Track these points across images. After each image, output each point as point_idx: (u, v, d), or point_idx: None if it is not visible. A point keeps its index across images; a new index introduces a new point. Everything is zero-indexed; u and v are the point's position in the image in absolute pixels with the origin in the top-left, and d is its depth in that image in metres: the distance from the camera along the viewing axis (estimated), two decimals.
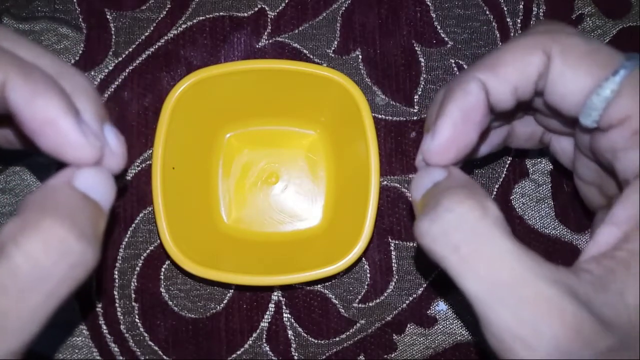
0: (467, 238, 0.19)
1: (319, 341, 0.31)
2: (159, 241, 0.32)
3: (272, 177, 0.32)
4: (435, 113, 0.23)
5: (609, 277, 0.18)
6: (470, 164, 0.33)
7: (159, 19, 0.33)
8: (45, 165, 0.32)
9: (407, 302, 0.32)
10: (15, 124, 0.20)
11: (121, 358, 0.31)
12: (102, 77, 0.33)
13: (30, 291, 0.18)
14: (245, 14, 0.33)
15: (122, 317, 0.31)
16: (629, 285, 0.18)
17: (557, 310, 0.17)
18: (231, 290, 0.32)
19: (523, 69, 0.21)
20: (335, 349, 0.31)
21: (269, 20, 0.33)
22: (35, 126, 0.19)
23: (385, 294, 0.32)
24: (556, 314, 0.17)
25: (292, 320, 0.32)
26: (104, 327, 0.31)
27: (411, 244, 0.32)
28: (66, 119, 0.19)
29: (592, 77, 0.20)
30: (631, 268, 0.18)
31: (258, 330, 0.31)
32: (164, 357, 0.31)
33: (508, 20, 0.34)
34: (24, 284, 0.18)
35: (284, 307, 0.32)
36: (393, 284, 0.32)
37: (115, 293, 0.31)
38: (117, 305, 0.31)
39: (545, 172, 0.33)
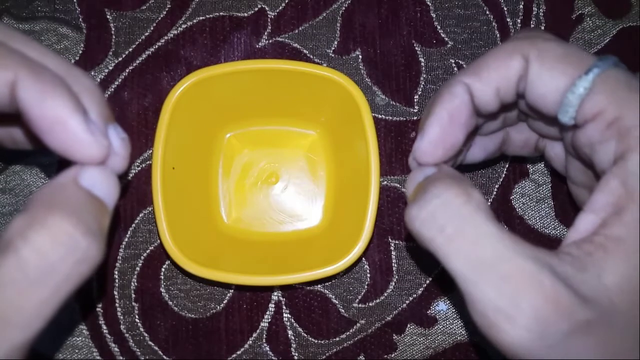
0: (452, 220, 0.20)
1: (319, 341, 0.31)
2: (159, 241, 0.32)
3: (272, 177, 0.32)
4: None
5: (587, 259, 0.19)
6: (470, 167, 0.33)
7: (159, 19, 0.33)
8: (47, 165, 0.32)
9: (407, 302, 0.32)
10: (23, 122, 0.21)
11: (121, 358, 0.31)
12: (102, 77, 0.33)
13: (37, 285, 0.18)
14: (245, 14, 0.33)
15: (122, 317, 0.31)
16: (606, 267, 0.19)
17: (535, 283, 0.18)
18: (231, 290, 0.32)
19: (504, 72, 0.23)
20: (335, 349, 0.31)
21: (269, 20, 0.33)
22: (44, 125, 0.20)
23: (385, 294, 0.32)
24: (534, 286, 0.18)
25: (292, 320, 0.32)
26: (104, 327, 0.31)
27: (411, 244, 0.32)
28: (75, 118, 0.20)
29: (566, 77, 0.21)
30: (609, 251, 0.19)
31: (258, 330, 0.31)
32: (164, 357, 0.31)
33: (508, 20, 0.34)
34: (32, 277, 0.18)
35: (284, 307, 0.32)
36: (393, 284, 0.32)
37: (115, 293, 0.31)
38: (117, 305, 0.31)
39: (545, 172, 0.33)
